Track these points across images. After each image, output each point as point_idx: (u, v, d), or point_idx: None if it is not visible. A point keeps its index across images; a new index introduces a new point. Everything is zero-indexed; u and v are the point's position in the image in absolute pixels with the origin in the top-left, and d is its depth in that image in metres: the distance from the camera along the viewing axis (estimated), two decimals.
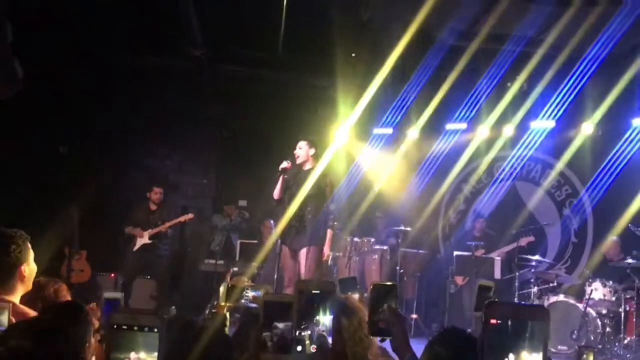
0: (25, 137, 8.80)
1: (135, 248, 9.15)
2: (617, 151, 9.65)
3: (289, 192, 6.97)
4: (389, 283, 3.18)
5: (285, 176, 6.98)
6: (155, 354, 1.99)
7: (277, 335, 2.81)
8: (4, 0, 7.50)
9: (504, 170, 10.80)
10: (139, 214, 9.31)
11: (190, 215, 9.39)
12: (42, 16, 8.00)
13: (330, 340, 2.93)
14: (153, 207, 9.33)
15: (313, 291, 2.95)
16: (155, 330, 2.01)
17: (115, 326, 2.04)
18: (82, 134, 9.31)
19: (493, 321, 1.65)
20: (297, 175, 7.07)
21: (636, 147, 9.47)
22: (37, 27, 8.04)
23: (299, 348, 2.41)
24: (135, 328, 2.03)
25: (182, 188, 10.41)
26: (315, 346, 2.61)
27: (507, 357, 1.75)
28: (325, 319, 2.72)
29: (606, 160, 9.81)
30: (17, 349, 2.05)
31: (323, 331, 2.70)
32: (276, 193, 7.10)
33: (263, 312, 3.03)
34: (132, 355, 2.05)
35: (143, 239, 9.16)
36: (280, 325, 2.66)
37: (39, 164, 9.04)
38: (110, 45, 8.63)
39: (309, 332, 2.52)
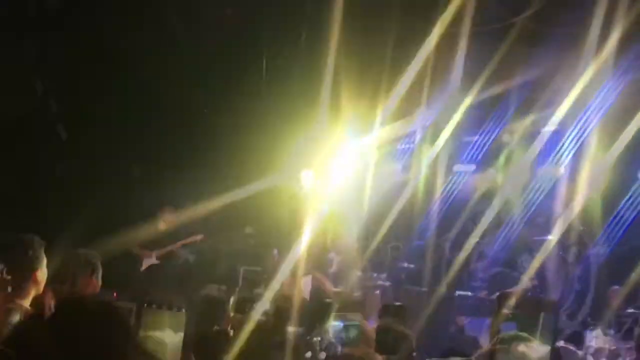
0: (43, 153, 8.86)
1: (142, 268, 9.19)
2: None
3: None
4: (397, 304, 3.26)
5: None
6: (181, 334, 2.17)
7: None
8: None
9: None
10: (148, 233, 9.20)
11: (200, 236, 9.43)
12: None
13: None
14: (163, 226, 9.32)
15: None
16: (183, 310, 2.24)
17: (145, 305, 2.33)
18: (85, 152, 9.27)
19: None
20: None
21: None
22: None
23: (309, 354, 2.38)
24: (165, 307, 2.29)
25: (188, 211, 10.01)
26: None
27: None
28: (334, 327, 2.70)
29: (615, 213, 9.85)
30: None
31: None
32: None
33: None
34: (158, 333, 2.32)
35: (151, 259, 9.19)
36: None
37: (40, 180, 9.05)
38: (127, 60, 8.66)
39: (319, 338, 2.45)
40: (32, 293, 3.37)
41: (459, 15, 7.98)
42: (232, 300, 3.80)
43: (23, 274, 3.33)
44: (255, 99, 9.71)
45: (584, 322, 9.55)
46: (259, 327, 3.68)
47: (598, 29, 8.01)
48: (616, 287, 9.10)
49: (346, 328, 2.70)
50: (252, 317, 4.09)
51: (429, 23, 8.24)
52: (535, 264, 10.27)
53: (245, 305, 4.38)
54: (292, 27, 8.65)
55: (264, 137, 9.65)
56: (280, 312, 3.48)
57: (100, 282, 4.11)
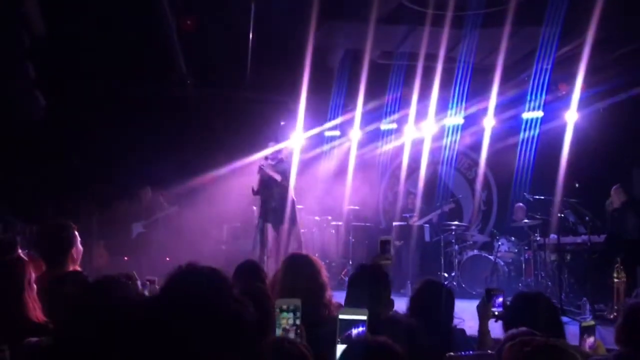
0: (48, 153, 8.95)
1: (133, 236, 9.36)
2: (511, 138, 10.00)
3: (269, 181, 7.39)
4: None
5: (263, 175, 7.40)
6: None
7: None
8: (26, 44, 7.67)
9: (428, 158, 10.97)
10: (133, 207, 9.52)
11: (176, 208, 9.53)
12: (56, 54, 8.10)
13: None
14: (144, 202, 9.53)
15: None
16: None
17: None
18: (92, 149, 9.43)
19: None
20: (271, 170, 7.50)
21: (525, 135, 9.73)
22: (54, 65, 8.19)
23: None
24: None
25: (175, 187, 10.23)
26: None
27: None
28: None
29: (503, 146, 10.18)
30: None
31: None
32: (255, 187, 7.57)
33: None
34: None
35: (138, 228, 9.38)
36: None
37: (59, 174, 9.20)
38: (113, 76, 8.76)
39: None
40: (70, 268, 3.45)
41: None
42: None
43: (61, 252, 3.44)
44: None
45: (491, 234, 10.05)
46: None
47: None
48: (520, 203, 9.48)
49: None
50: None
51: None
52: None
53: None
54: None
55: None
56: None
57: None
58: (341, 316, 1.93)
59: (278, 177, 7.46)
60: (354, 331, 1.90)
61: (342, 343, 1.89)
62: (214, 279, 1.59)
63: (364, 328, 1.92)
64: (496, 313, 3.13)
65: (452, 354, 1.44)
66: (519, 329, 2.14)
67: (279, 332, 2.00)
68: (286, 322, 1.99)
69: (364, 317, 1.94)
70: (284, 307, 2.01)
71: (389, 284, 3.04)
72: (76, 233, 3.56)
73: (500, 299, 3.17)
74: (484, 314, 3.14)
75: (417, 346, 1.88)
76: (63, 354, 1.86)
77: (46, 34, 7.72)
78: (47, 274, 3.36)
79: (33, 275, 2.92)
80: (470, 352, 1.55)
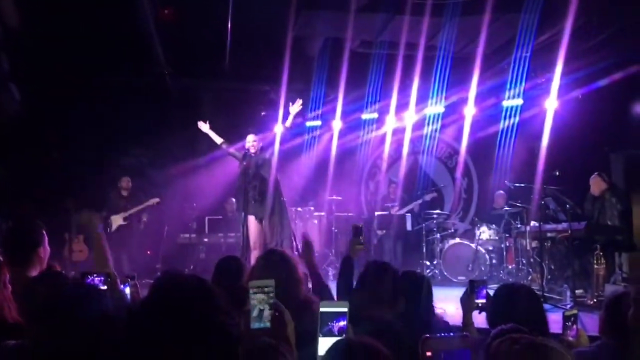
0: (26, 146, 8.79)
1: (113, 229, 9.16)
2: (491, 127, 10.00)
3: (248, 173, 7.30)
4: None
5: (244, 163, 7.30)
6: None
7: None
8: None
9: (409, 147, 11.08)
10: (113, 200, 9.30)
11: (156, 200, 9.36)
12: (30, 47, 7.97)
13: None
14: (124, 193, 9.32)
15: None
16: None
17: None
18: (71, 142, 9.29)
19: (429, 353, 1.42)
20: (251, 161, 7.41)
21: (505, 123, 9.73)
22: (29, 55, 8.05)
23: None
24: None
25: (154, 179, 10.37)
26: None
27: None
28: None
29: (484, 134, 10.21)
30: None
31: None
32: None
33: None
34: None
35: (118, 221, 9.19)
36: None
37: (39, 168, 9.07)
38: (90, 67, 8.61)
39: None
40: (38, 267, 3.41)
41: None
42: None
43: (27, 252, 3.39)
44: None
45: (472, 222, 10.11)
46: None
47: None
48: (501, 191, 9.59)
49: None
50: None
51: None
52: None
53: None
54: None
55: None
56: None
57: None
58: (322, 309, 1.90)
59: (218, 139, 7.51)
60: (336, 325, 1.86)
61: (324, 336, 1.87)
62: (199, 289, 1.55)
63: (345, 321, 1.90)
64: (479, 304, 3.12)
65: (428, 335, 1.41)
66: (507, 325, 2.13)
67: (254, 312, 1.97)
68: (259, 302, 1.98)
69: (345, 309, 1.92)
70: (258, 288, 2.00)
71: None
72: (44, 232, 3.50)
73: (484, 291, 3.16)
74: (467, 306, 3.13)
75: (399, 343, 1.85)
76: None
77: (20, 26, 7.56)
78: (14, 274, 3.18)
79: (7, 276, 2.84)
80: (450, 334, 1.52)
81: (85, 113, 9.02)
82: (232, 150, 7.64)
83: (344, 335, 1.88)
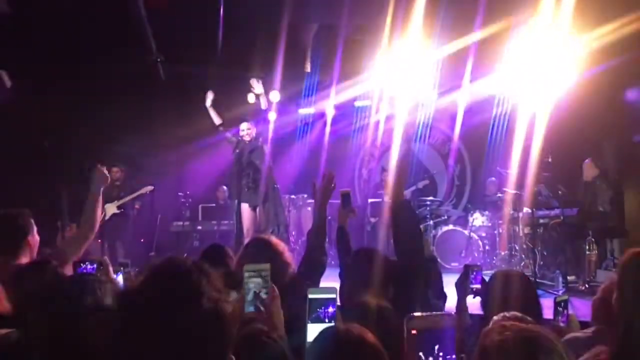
0: (16, 135, 8.71)
1: (107, 218, 9.10)
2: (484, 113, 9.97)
3: (242, 160, 7.28)
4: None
5: (237, 150, 7.28)
6: None
7: None
8: None
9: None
10: (106, 189, 9.23)
11: (150, 188, 9.34)
12: (20, 33, 7.85)
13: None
14: (117, 182, 9.28)
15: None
16: None
17: None
18: (61, 130, 9.15)
19: (413, 332, 1.39)
20: (245, 148, 7.39)
21: (499, 109, 9.71)
22: (18, 43, 7.95)
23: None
24: None
25: (147, 167, 10.31)
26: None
27: None
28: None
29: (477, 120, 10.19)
30: None
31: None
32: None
33: None
34: None
35: (112, 210, 9.16)
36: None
37: (30, 156, 9.00)
38: (81, 55, 8.49)
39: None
40: (28, 256, 3.36)
41: None
42: None
43: (16, 241, 3.34)
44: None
45: (465, 208, 10.18)
46: None
47: None
48: (492, 178, 9.64)
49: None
50: None
51: None
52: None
53: None
54: None
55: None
56: None
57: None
58: (310, 295, 1.89)
59: (218, 120, 7.48)
60: (325, 311, 1.86)
61: (312, 322, 1.87)
62: (195, 272, 1.49)
63: (334, 307, 1.89)
64: (474, 289, 3.13)
65: (413, 314, 1.41)
66: (510, 312, 2.14)
67: (249, 296, 1.98)
68: (255, 284, 1.99)
69: (334, 296, 1.91)
70: (253, 272, 2.01)
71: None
72: (32, 221, 3.46)
73: (479, 276, 3.17)
74: (462, 291, 3.13)
75: (388, 330, 1.82)
76: (28, 349, 1.81)
77: (9, 13, 7.47)
78: (2, 263, 3.24)
79: None
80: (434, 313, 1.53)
81: (76, 101, 8.93)
82: (228, 135, 7.61)
83: (333, 322, 1.87)
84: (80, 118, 9.06)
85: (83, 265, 3.04)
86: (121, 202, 9.18)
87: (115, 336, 1.44)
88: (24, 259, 3.34)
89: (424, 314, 1.42)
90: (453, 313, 1.40)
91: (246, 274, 1.97)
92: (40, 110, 8.54)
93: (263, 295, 1.98)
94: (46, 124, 8.87)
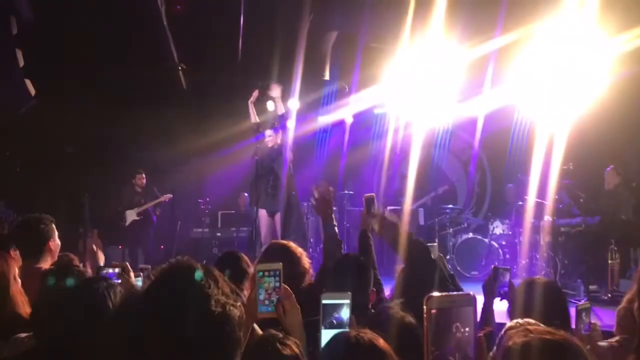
0: (40, 141, 8.84)
1: (127, 224, 9.24)
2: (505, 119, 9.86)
3: (262, 167, 7.30)
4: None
5: (257, 156, 7.30)
6: None
7: None
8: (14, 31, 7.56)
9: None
10: (127, 195, 9.36)
11: (169, 196, 9.45)
12: (45, 41, 8.01)
13: None
14: (138, 189, 9.39)
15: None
16: None
17: None
18: (84, 136, 9.33)
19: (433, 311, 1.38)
20: (265, 154, 7.42)
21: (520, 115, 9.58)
22: (43, 51, 8.08)
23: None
24: None
25: (168, 173, 10.38)
26: None
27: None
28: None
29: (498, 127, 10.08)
30: None
31: None
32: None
33: None
34: None
35: (132, 216, 9.26)
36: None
37: (53, 162, 9.14)
38: (104, 63, 8.59)
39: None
40: (49, 260, 3.48)
41: None
42: None
43: (38, 245, 3.49)
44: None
45: (485, 217, 10.03)
46: None
47: None
48: (510, 185, 9.53)
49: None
50: None
51: None
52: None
53: None
54: None
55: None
56: None
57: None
58: (324, 301, 1.88)
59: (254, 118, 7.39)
60: (338, 316, 1.84)
61: (327, 328, 1.86)
62: (202, 275, 1.48)
63: (348, 313, 1.87)
64: (501, 292, 3.11)
65: (432, 294, 1.41)
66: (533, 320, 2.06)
67: (262, 295, 1.98)
68: (268, 285, 1.98)
69: (347, 301, 1.90)
70: (266, 272, 1.99)
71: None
72: (53, 226, 3.56)
73: (507, 279, 3.16)
74: (490, 292, 3.13)
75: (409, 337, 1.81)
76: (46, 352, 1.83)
77: (34, 21, 7.60)
78: (25, 267, 3.30)
79: (15, 269, 2.88)
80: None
81: (98, 108, 9.05)
82: (256, 138, 7.63)
83: (347, 327, 1.86)
84: (102, 125, 9.18)
85: (105, 271, 3.07)
86: (141, 208, 9.24)
87: (123, 339, 1.45)
88: (45, 263, 3.44)
89: (443, 294, 1.42)
90: (469, 293, 1.38)
91: (259, 274, 1.96)
92: (63, 117, 8.69)
93: (274, 296, 1.96)
94: (69, 130, 9.03)
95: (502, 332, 1.79)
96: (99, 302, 1.87)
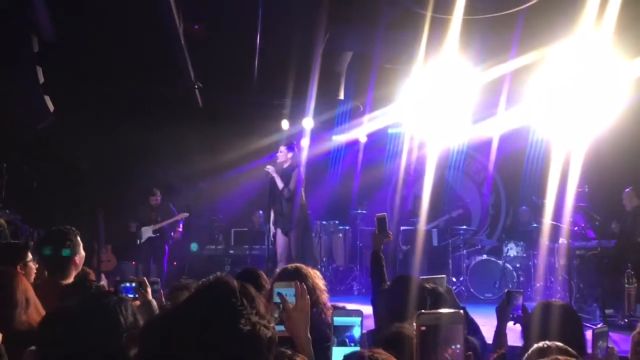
0: (58, 156, 8.94)
1: (142, 240, 9.25)
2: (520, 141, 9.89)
3: (275, 186, 7.31)
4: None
5: (273, 175, 7.32)
6: None
7: None
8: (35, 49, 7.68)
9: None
10: (142, 213, 9.40)
11: (186, 214, 9.46)
12: (65, 60, 8.14)
13: None
14: (155, 205, 9.41)
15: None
16: None
17: None
18: (100, 153, 9.43)
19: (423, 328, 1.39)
20: (280, 172, 7.44)
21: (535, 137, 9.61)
22: (63, 68, 8.20)
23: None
24: None
25: (183, 191, 10.46)
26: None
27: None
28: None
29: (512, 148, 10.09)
30: None
31: None
32: (281, 185, 7.36)
33: None
34: None
35: (148, 233, 9.28)
36: None
37: (69, 178, 9.22)
38: (121, 81, 8.70)
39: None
40: (74, 274, 3.44)
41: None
42: None
43: (65, 260, 3.41)
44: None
45: (500, 239, 9.93)
46: None
47: None
48: (524, 207, 9.51)
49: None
50: None
51: None
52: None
53: None
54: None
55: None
56: None
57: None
58: (336, 318, 1.89)
59: (280, 184, 7.36)
60: (350, 335, 1.83)
61: (338, 346, 1.86)
62: (238, 294, 1.48)
63: (359, 332, 1.86)
64: (514, 315, 3.08)
65: (422, 311, 1.45)
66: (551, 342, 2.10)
67: (276, 314, 2.01)
68: (281, 305, 2.02)
69: (359, 319, 1.90)
70: (283, 291, 2.04)
71: None
72: (79, 239, 3.52)
73: (520, 302, 3.13)
74: (503, 316, 3.09)
75: None
76: None
77: (55, 40, 7.73)
78: (49, 280, 3.34)
79: (23, 282, 2.83)
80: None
81: (115, 125, 9.17)
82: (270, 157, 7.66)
83: (358, 346, 1.85)
84: (118, 141, 9.28)
85: (122, 285, 3.09)
86: (158, 226, 9.28)
87: (150, 352, 1.45)
88: (70, 278, 3.42)
89: (432, 311, 1.45)
90: (459, 311, 1.39)
91: (275, 292, 1.97)
92: (81, 133, 8.80)
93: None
94: (86, 146, 9.11)
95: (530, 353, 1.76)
96: (111, 318, 1.86)
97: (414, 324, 1.41)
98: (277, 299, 2.03)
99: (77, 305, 1.96)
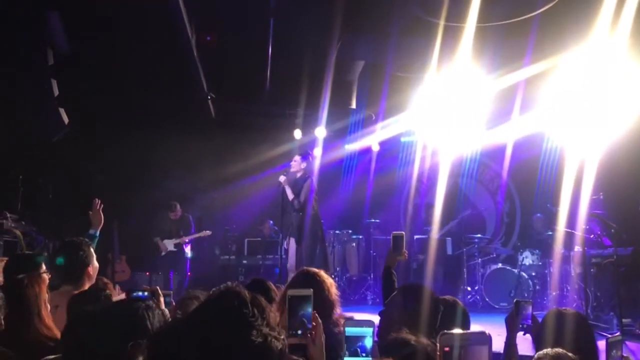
0: (72, 168, 9.03)
1: (163, 254, 9.33)
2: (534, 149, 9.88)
3: (286, 196, 7.36)
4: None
5: (285, 186, 7.36)
6: None
7: None
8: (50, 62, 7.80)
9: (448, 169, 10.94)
10: (164, 225, 9.46)
11: (208, 232, 9.50)
12: (80, 72, 8.25)
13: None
14: (174, 218, 9.46)
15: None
16: None
17: None
18: (114, 164, 9.50)
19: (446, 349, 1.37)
20: (293, 182, 7.49)
21: (549, 144, 9.59)
22: (78, 81, 8.32)
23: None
24: None
25: (195, 201, 10.51)
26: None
27: None
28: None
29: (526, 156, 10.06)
30: None
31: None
32: (292, 197, 7.41)
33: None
34: None
35: (169, 247, 9.35)
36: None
37: (83, 189, 9.30)
38: (135, 92, 8.79)
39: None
40: (87, 285, 3.48)
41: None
42: None
43: (78, 271, 3.49)
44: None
45: (515, 247, 9.92)
46: None
47: None
48: (539, 214, 9.42)
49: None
50: None
51: None
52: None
53: None
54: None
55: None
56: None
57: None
58: (347, 329, 1.90)
59: (290, 195, 7.40)
60: (362, 345, 1.85)
61: (350, 356, 1.87)
62: (249, 304, 1.48)
63: (371, 342, 1.88)
64: (524, 325, 3.06)
65: (446, 331, 1.41)
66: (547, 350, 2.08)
67: (290, 322, 2.02)
68: (295, 312, 2.02)
69: (371, 329, 1.91)
70: (296, 297, 2.04)
71: None
72: (92, 250, 3.60)
73: (530, 312, 3.11)
74: (513, 326, 3.08)
75: None
76: None
77: (70, 53, 7.84)
78: (63, 293, 3.36)
79: (46, 295, 2.92)
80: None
81: (128, 136, 9.25)
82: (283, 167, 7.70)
83: (370, 356, 1.86)
84: (132, 153, 9.36)
85: (135, 294, 3.12)
86: (180, 240, 9.33)
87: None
88: (84, 288, 3.44)
89: (456, 331, 1.40)
90: (484, 331, 1.37)
91: (288, 299, 1.98)
92: (95, 145, 8.89)
93: (302, 322, 1.99)
94: (100, 158, 9.20)
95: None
96: (138, 323, 1.87)
97: (437, 343, 1.38)
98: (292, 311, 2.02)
99: (104, 309, 2.00)
